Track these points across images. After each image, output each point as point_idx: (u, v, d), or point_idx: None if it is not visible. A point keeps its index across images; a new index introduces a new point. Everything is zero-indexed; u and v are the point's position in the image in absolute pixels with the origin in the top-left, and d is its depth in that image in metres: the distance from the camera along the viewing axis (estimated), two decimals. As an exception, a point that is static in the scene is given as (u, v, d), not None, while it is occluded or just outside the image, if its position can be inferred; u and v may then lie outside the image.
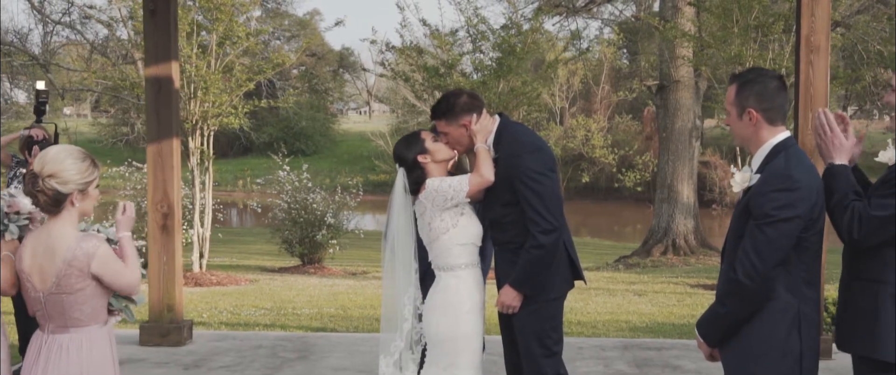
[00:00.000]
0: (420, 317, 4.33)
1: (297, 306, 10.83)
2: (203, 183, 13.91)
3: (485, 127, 4.29)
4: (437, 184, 4.19)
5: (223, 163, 39.04)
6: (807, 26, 6.54)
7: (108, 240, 3.50)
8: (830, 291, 7.54)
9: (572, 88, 39.25)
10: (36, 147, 6.28)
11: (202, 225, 13.82)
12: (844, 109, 29.99)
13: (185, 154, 12.86)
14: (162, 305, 7.31)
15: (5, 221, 3.62)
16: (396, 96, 41.56)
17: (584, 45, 26.89)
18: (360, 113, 76.14)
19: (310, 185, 15.32)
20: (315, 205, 14.91)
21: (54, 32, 24.91)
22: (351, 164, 44.35)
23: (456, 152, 4.36)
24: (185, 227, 13.45)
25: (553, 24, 23.44)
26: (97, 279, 3.39)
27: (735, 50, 13.28)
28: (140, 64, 15.52)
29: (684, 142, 20.20)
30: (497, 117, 4.38)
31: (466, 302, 4.23)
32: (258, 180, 25.92)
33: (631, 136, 38.07)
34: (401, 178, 4.30)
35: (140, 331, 7.34)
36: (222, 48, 13.81)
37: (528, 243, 4.16)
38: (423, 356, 4.32)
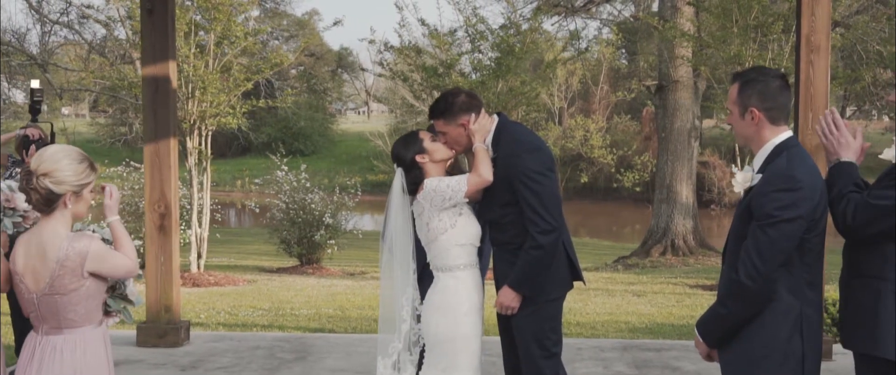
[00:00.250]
0: (418, 318, 4.31)
1: (295, 306, 10.81)
2: (201, 183, 13.88)
3: (483, 127, 4.26)
4: (436, 184, 4.16)
5: (221, 163, 39.00)
6: (807, 26, 6.52)
7: (104, 240, 3.47)
8: (830, 291, 7.52)
9: (571, 88, 39.23)
10: (33, 147, 6.25)
11: (200, 225, 13.80)
12: (843, 109, 30.01)
13: (183, 154, 12.84)
14: (159, 305, 7.28)
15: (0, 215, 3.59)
16: (395, 96, 41.51)
17: (583, 45, 26.94)
18: (359, 113, 76.13)
19: (308, 185, 15.31)
20: (313, 205, 14.89)
21: (52, 32, 24.93)
22: (349, 164, 44.34)
23: (454, 151, 4.33)
24: (182, 227, 13.43)
25: (552, 24, 23.47)
26: (95, 277, 3.36)
27: (734, 50, 13.27)
28: (138, 64, 15.47)
29: (683, 142, 20.18)
30: (495, 117, 4.35)
31: (465, 303, 4.21)
32: (256, 181, 25.92)
33: (630, 136, 38.05)
34: (399, 178, 4.28)
35: (137, 332, 7.31)
36: (220, 48, 13.79)
37: (527, 243, 4.13)
38: (422, 357, 4.29)
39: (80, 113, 58.97)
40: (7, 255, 3.49)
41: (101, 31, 22.87)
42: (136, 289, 3.75)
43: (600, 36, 35.68)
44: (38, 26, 25.39)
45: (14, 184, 3.67)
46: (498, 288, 4.32)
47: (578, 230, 28.77)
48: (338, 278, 14.44)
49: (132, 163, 15.60)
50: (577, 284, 4.43)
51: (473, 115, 4.24)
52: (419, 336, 4.30)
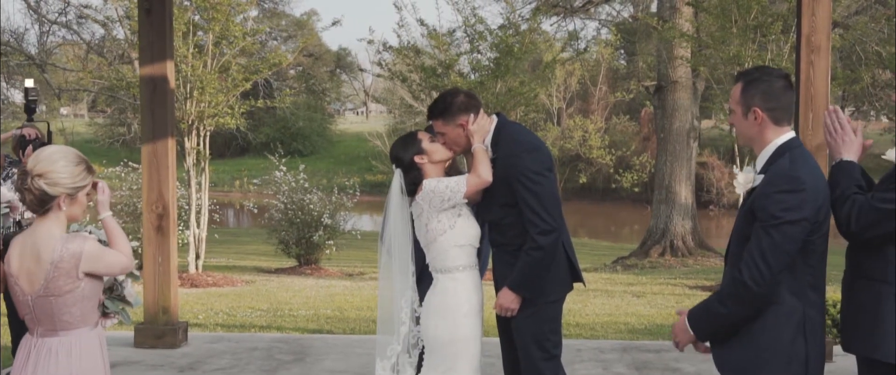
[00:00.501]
0: (417, 321, 4.28)
1: (293, 307, 10.79)
2: (199, 183, 13.86)
3: (482, 127, 4.23)
4: (435, 185, 4.13)
5: (220, 163, 38.98)
6: (807, 26, 6.50)
7: (100, 241, 3.44)
8: (830, 292, 7.49)
9: (570, 89, 39.20)
10: (29, 147, 6.22)
11: (198, 226, 13.77)
12: (842, 110, 29.94)
13: (182, 154, 12.81)
14: (157, 306, 7.24)
15: None
16: (393, 97, 41.45)
17: (582, 46, 26.92)
18: (357, 113, 76.10)
19: (306, 185, 15.29)
20: (312, 206, 14.87)
21: (50, 32, 24.87)
22: (348, 164, 44.31)
23: (453, 152, 4.31)
24: (180, 228, 13.41)
25: (551, 25, 23.45)
26: (91, 277, 3.34)
27: (733, 50, 13.25)
28: (136, 64, 15.45)
29: (682, 143, 20.17)
30: (494, 117, 4.32)
31: (464, 305, 4.18)
32: (255, 181, 25.86)
33: (628, 136, 38.04)
34: (397, 179, 4.25)
35: (135, 333, 7.27)
36: (219, 48, 13.77)
37: (527, 245, 4.10)
38: (421, 360, 4.26)
39: (79, 113, 58.91)
40: (2, 256, 3.46)
41: (100, 31, 22.87)
42: (133, 290, 3.72)
43: (599, 36, 35.63)
44: (36, 26, 25.36)
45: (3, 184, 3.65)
46: (497, 290, 4.29)
47: (577, 231, 28.77)
48: (336, 278, 14.42)
49: (130, 163, 15.57)
50: (576, 285, 4.41)
51: (472, 115, 4.21)
52: (418, 339, 4.27)
